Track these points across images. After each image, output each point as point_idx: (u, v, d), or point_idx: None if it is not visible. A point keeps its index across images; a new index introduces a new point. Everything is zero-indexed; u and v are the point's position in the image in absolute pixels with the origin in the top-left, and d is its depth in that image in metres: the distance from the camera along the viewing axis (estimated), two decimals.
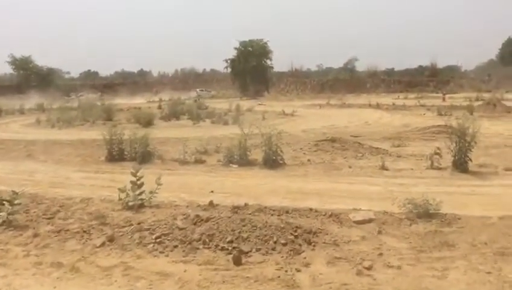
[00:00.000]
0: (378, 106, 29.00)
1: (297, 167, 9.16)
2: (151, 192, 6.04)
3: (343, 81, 63.68)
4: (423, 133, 14.03)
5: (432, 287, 3.75)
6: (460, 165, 8.31)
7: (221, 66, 64.60)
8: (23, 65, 63.92)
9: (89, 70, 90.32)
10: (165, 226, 5.09)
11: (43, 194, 7.05)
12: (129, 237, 4.95)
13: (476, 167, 8.52)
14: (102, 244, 4.80)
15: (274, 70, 63.27)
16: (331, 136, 12.14)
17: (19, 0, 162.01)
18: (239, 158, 9.57)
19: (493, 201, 6.34)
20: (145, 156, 10.11)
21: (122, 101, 41.52)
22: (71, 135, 16.97)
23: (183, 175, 8.75)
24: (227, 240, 4.63)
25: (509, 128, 15.50)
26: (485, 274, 3.94)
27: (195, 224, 5.06)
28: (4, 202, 5.54)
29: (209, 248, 4.57)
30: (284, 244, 4.57)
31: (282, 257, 4.36)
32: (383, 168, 8.63)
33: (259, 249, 4.50)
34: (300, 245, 4.59)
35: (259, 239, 4.65)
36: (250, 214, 5.45)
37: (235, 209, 5.67)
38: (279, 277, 3.95)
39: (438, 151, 8.66)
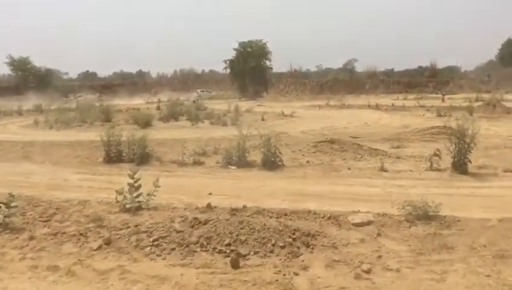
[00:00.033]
0: (377, 107, 29.01)
1: (296, 169, 9.13)
2: (148, 194, 6.00)
3: (343, 82, 63.72)
4: (422, 134, 14.00)
5: None
6: (460, 166, 8.28)
7: (220, 67, 64.60)
8: (21, 66, 63.86)
9: (88, 71, 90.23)
10: (162, 228, 5.06)
11: (39, 196, 7.00)
12: (126, 239, 4.91)
13: (476, 168, 8.49)
14: (99, 247, 4.76)
15: (273, 71, 63.27)
16: (330, 138, 12.10)
17: (18, 1, 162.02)
18: (238, 160, 9.53)
19: (493, 203, 6.31)
20: (143, 158, 10.07)
21: (120, 102, 41.49)
22: (69, 136, 16.93)
23: (182, 177, 8.71)
24: (225, 242, 4.60)
25: (508, 129, 15.49)
26: (484, 277, 3.91)
27: (193, 227, 5.03)
28: (0, 205, 5.50)
29: (206, 251, 4.53)
30: (282, 247, 4.54)
31: (281, 260, 4.33)
32: (382, 169, 8.60)
33: (258, 252, 4.46)
34: (298, 248, 4.56)
35: (257, 242, 4.61)
36: (248, 216, 5.42)
37: (233, 211, 5.64)
38: (277, 280, 3.92)
39: (437, 152, 8.65)
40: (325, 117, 23.86)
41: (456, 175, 8.14)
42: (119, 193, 5.95)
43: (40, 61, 68.05)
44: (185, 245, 4.64)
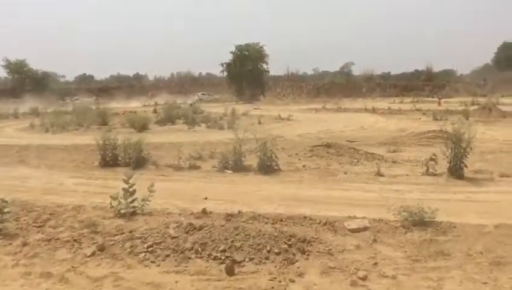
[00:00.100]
0: (373, 110, 29.10)
1: (292, 173, 9.10)
2: (143, 199, 5.95)
3: (339, 85, 63.94)
4: (419, 139, 14.01)
5: None
6: (456, 171, 8.28)
7: (217, 70, 64.62)
8: (17, 69, 63.80)
9: (85, 74, 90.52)
10: (157, 234, 5.01)
11: (34, 201, 6.95)
12: (120, 246, 4.86)
13: (472, 173, 8.49)
14: (93, 253, 4.72)
15: (270, 74, 63.50)
16: (327, 142, 12.09)
17: (18, 1, 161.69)
18: (234, 164, 9.50)
19: (489, 208, 6.30)
20: (139, 162, 10.03)
21: (117, 105, 41.49)
22: (65, 139, 16.83)
23: (177, 181, 8.67)
24: (220, 249, 4.56)
25: (504, 133, 15.54)
26: (481, 284, 3.89)
27: (187, 232, 4.99)
28: None
29: (201, 258, 4.49)
30: (278, 254, 4.50)
31: (276, 266, 4.30)
32: (379, 174, 8.58)
33: (253, 258, 4.43)
34: (294, 254, 4.53)
35: (252, 248, 4.58)
36: (243, 222, 5.39)
37: (229, 217, 5.60)
38: (272, 287, 3.89)
39: (433, 157, 8.64)
40: (321, 120, 23.88)
41: (452, 180, 8.14)
42: (114, 198, 5.90)
43: (37, 62, 68.15)
44: (179, 251, 4.60)
